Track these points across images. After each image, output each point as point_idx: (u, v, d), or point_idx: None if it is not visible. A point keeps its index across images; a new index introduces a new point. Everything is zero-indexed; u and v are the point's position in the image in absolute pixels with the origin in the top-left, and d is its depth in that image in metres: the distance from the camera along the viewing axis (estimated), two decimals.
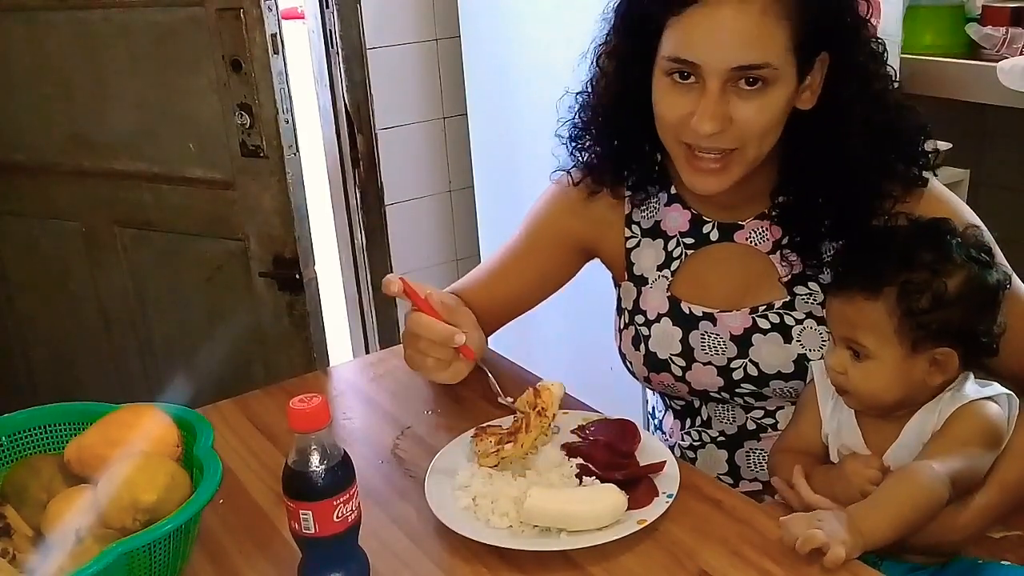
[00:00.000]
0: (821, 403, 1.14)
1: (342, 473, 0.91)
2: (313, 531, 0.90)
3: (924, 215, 1.12)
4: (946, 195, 1.20)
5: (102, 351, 2.33)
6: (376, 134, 2.48)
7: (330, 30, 2.36)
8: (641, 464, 1.10)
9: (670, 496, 1.04)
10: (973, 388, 1.06)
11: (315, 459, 0.90)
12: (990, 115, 2.67)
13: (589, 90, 1.25)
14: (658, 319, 1.28)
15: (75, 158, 2.15)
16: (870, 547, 0.95)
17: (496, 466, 1.10)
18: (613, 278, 1.38)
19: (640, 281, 1.30)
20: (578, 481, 1.07)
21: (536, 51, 2.17)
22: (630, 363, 1.33)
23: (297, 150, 1.92)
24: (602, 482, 1.06)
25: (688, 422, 1.34)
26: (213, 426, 1.05)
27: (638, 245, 1.31)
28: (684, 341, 1.25)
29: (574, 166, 1.31)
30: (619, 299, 1.35)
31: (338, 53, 2.37)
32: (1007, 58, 2.24)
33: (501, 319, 1.39)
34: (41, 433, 1.09)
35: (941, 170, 2.58)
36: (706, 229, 1.26)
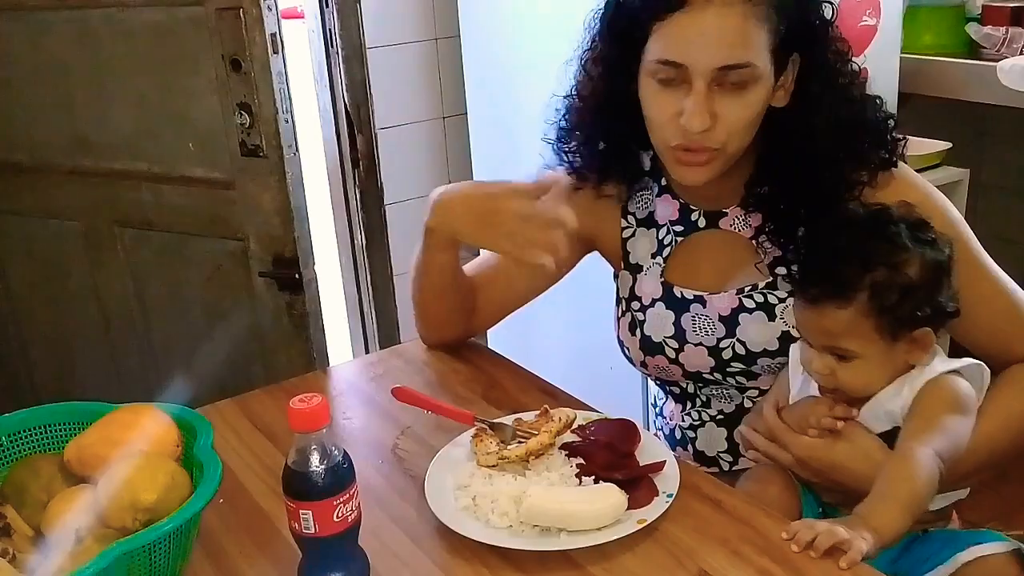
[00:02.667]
0: (792, 380, 1.19)
1: (342, 473, 0.91)
2: (313, 531, 0.91)
3: (897, 199, 1.15)
4: (915, 178, 1.26)
5: (102, 351, 2.32)
6: (376, 134, 2.48)
7: (330, 30, 2.36)
8: (641, 464, 1.10)
9: (670, 496, 1.04)
10: (940, 362, 1.10)
11: (315, 459, 0.90)
12: (990, 115, 2.67)
13: (575, 94, 1.31)
14: (652, 304, 1.33)
15: (75, 158, 2.15)
16: (887, 543, 0.97)
17: (495, 466, 1.10)
18: (613, 270, 1.42)
19: (635, 269, 1.36)
20: (578, 481, 1.07)
21: (536, 51, 2.17)
22: (627, 349, 1.38)
23: (297, 150, 1.92)
24: (601, 482, 1.06)
25: (687, 404, 1.39)
26: (213, 426, 1.05)
27: (633, 235, 1.37)
28: (677, 324, 1.31)
29: (559, 165, 1.36)
30: (617, 289, 1.40)
31: (338, 53, 2.37)
32: (1007, 58, 2.25)
33: (504, 310, 1.45)
34: (41, 433, 1.09)
35: (941, 170, 2.59)
36: (694, 217, 1.32)
